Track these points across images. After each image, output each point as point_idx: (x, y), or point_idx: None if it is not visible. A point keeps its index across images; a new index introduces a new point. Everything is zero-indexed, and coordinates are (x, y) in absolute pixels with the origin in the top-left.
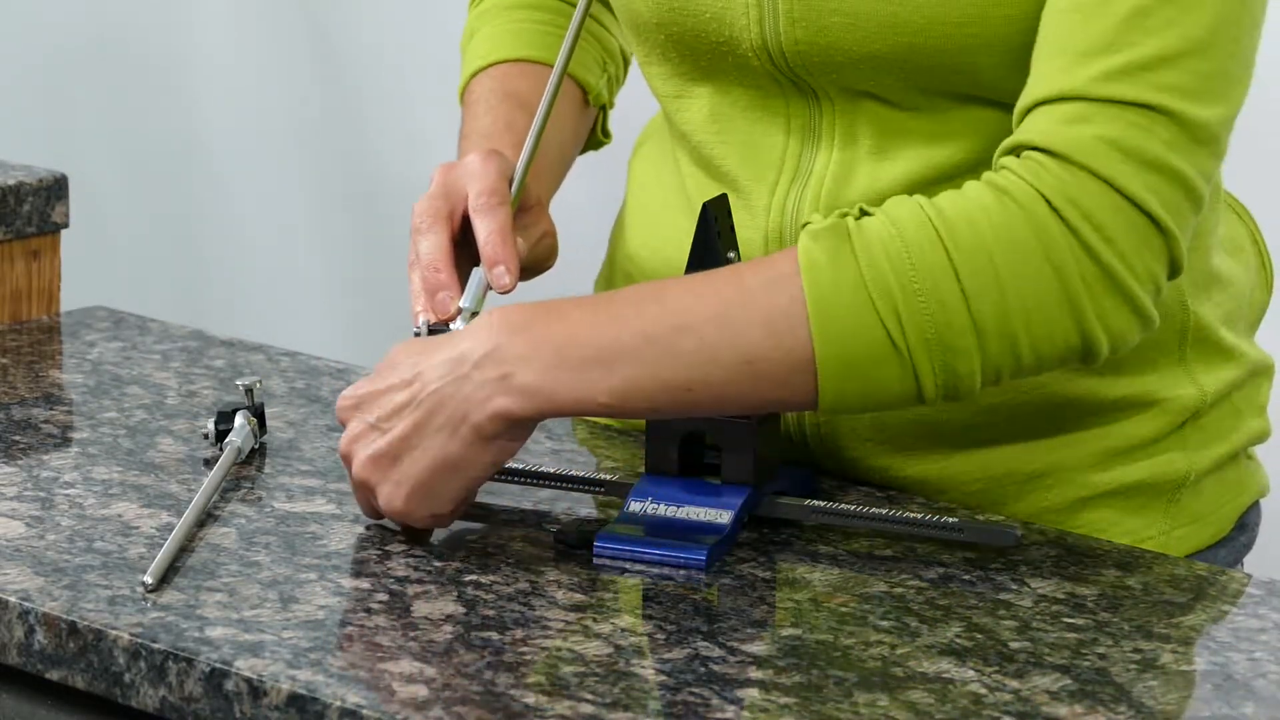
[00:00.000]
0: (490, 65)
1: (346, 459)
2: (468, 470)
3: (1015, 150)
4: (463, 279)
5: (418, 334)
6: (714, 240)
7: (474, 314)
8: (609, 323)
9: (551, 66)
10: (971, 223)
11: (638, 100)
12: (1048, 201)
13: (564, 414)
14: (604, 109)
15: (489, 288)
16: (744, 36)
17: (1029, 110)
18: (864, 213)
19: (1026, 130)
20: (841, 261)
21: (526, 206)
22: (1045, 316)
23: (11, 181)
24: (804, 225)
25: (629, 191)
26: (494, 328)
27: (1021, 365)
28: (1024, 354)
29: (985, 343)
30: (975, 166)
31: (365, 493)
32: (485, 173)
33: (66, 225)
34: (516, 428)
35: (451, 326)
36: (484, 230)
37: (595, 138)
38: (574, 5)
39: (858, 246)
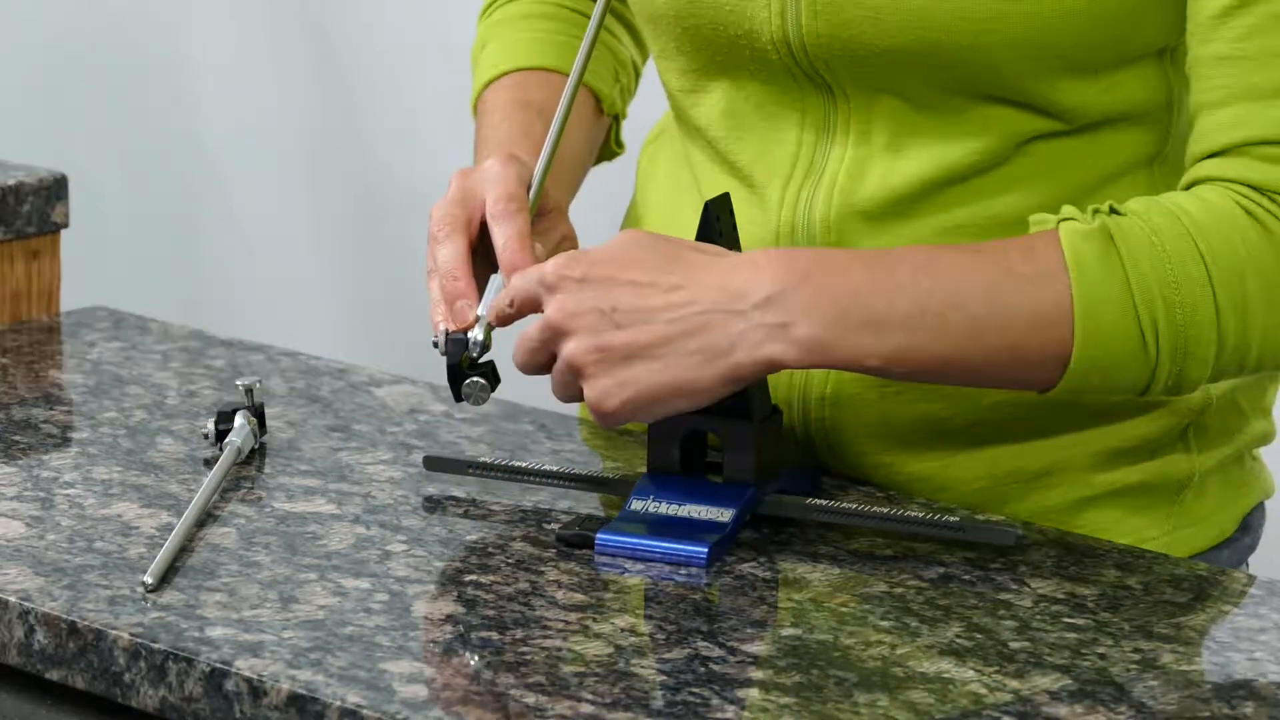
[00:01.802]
0: (504, 74)
1: (556, 329)
2: (698, 399)
3: (1210, 180)
4: (482, 285)
5: (435, 344)
6: (715, 239)
7: (491, 323)
8: (887, 286)
9: (565, 75)
10: (1227, 241)
11: (645, 99)
12: None
13: (827, 368)
14: (617, 119)
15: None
16: (764, 29)
17: (1216, 154)
18: (1114, 210)
19: (1225, 169)
20: (1110, 267)
21: (545, 211)
22: (1275, 336)
23: (11, 181)
24: (1064, 219)
25: (638, 189)
26: (775, 269)
27: (1241, 375)
28: (1248, 366)
29: (1221, 354)
30: (989, 166)
31: (570, 374)
32: (503, 178)
33: (66, 225)
34: (770, 373)
35: (469, 335)
36: (502, 236)
37: (609, 148)
38: (586, 15)
39: (1124, 253)
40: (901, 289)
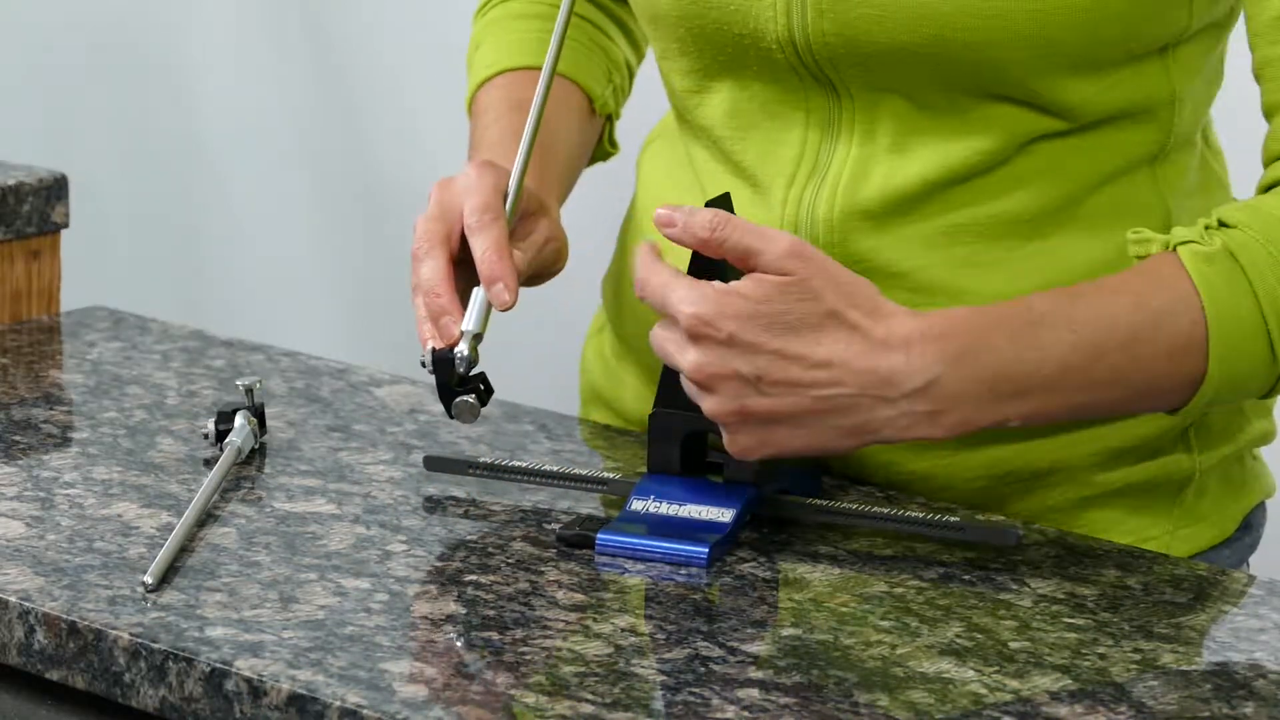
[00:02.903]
0: (497, 74)
1: (697, 384)
2: (832, 453)
3: None
4: (467, 297)
5: (424, 363)
6: None
7: (476, 336)
8: (1032, 353)
9: (560, 75)
10: None
11: (644, 100)
12: None
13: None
14: (610, 119)
15: (491, 306)
16: (769, 29)
17: None
18: (1223, 224)
19: None
20: (1237, 287)
21: (528, 212)
22: None
23: (11, 181)
24: (1182, 242)
25: (638, 190)
26: (927, 354)
27: None
28: None
29: None
30: (991, 165)
31: (720, 420)
32: (479, 188)
33: (66, 225)
34: None
35: (455, 352)
36: (479, 248)
37: (602, 148)
38: (580, 15)
39: (1248, 269)
40: (1045, 352)
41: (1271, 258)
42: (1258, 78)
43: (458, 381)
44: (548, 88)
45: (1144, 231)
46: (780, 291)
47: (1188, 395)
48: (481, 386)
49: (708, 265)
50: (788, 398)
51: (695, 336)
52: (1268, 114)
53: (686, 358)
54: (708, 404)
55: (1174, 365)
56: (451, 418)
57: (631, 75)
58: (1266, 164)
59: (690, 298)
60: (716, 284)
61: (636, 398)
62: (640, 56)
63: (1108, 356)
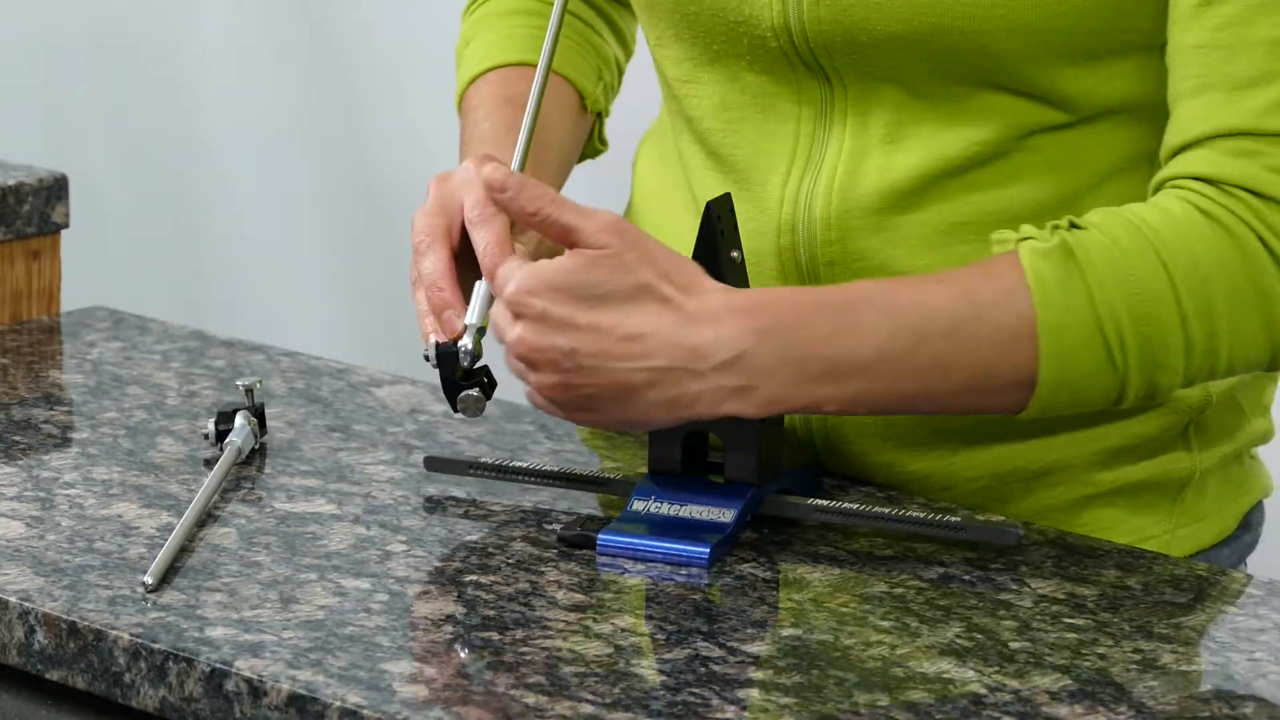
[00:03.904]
0: (487, 71)
1: (525, 359)
2: (657, 426)
3: (1175, 181)
4: (468, 290)
5: (427, 357)
6: (717, 239)
7: (480, 329)
8: (848, 334)
9: (551, 72)
10: (1189, 249)
11: (641, 98)
12: (1254, 232)
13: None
14: (600, 116)
15: (494, 299)
16: (764, 15)
17: (1187, 146)
18: (1074, 225)
19: (1194, 164)
20: (1071, 284)
21: None
22: (1247, 338)
23: (11, 181)
24: (1023, 239)
25: (634, 187)
26: (736, 326)
27: (1214, 377)
28: (1219, 369)
29: (1190, 360)
30: (988, 158)
31: (538, 399)
32: (479, 182)
33: (66, 225)
34: None
35: (459, 345)
36: (482, 242)
37: (592, 145)
38: (570, 12)
39: (1085, 268)
40: (862, 334)
41: (1113, 259)
42: (1168, 66)
43: (462, 375)
44: (545, 80)
45: (1005, 232)
46: (593, 263)
47: (1024, 394)
48: (486, 380)
49: (710, 265)
50: (602, 372)
51: (516, 313)
52: (1171, 104)
53: (509, 334)
54: (532, 379)
55: (1002, 359)
56: (456, 412)
57: (621, 72)
58: (1163, 160)
59: (507, 273)
60: (538, 261)
61: None
62: (629, 54)
63: (929, 344)
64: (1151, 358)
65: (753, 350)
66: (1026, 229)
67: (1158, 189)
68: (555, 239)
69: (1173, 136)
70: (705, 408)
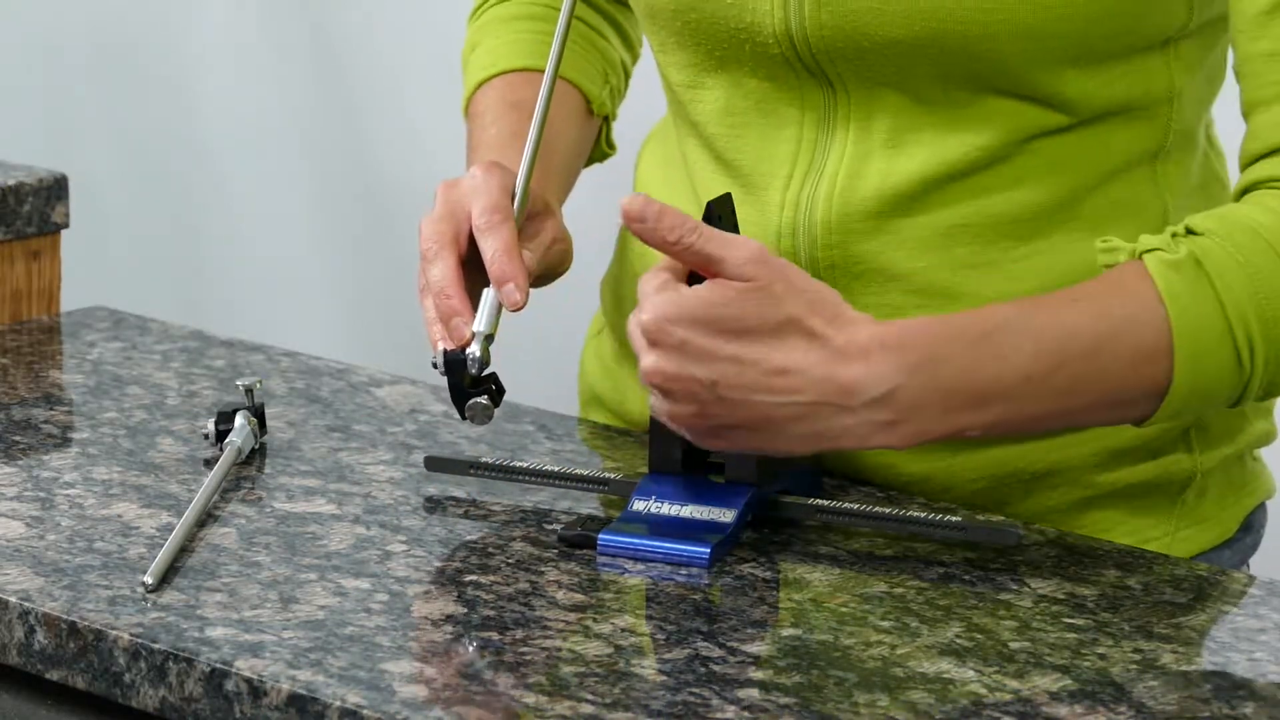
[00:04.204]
0: (493, 76)
1: (655, 386)
2: (794, 455)
3: (1270, 184)
4: (476, 297)
5: (435, 365)
6: None
7: (488, 336)
8: (991, 362)
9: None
10: None
11: (644, 101)
12: None
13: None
14: (607, 120)
15: (502, 307)
16: (766, 22)
17: (1275, 152)
18: (1190, 232)
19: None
20: (1202, 294)
21: (534, 213)
22: None
23: (11, 181)
24: (1148, 250)
25: (636, 191)
26: (886, 363)
27: None
28: None
29: None
30: (990, 162)
31: (678, 424)
32: (487, 189)
33: (66, 225)
34: None
35: (467, 352)
36: (490, 249)
37: (600, 149)
38: (576, 16)
39: (1214, 277)
40: (1005, 361)
41: (1237, 265)
42: (1238, 75)
43: (470, 383)
44: (551, 87)
45: (1112, 240)
46: (739, 295)
47: (1154, 405)
48: (494, 387)
49: None
50: (744, 404)
51: (652, 340)
52: (1246, 112)
53: (644, 361)
54: (664, 408)
55: (1138, 374)
56: (464, 419)
57: (627, 76)
58: (1243, 166)
59: (650, 300)
60: (681, 287)
61: (640, 399)
62: (635, 57)
63: (1069, 365)
64: (1277, 357)
65: (904, 386)
66: (1147, 239)
67: (1245, 191)
68: (698, 269)
69: (1255, 143)
70: (852, 441)
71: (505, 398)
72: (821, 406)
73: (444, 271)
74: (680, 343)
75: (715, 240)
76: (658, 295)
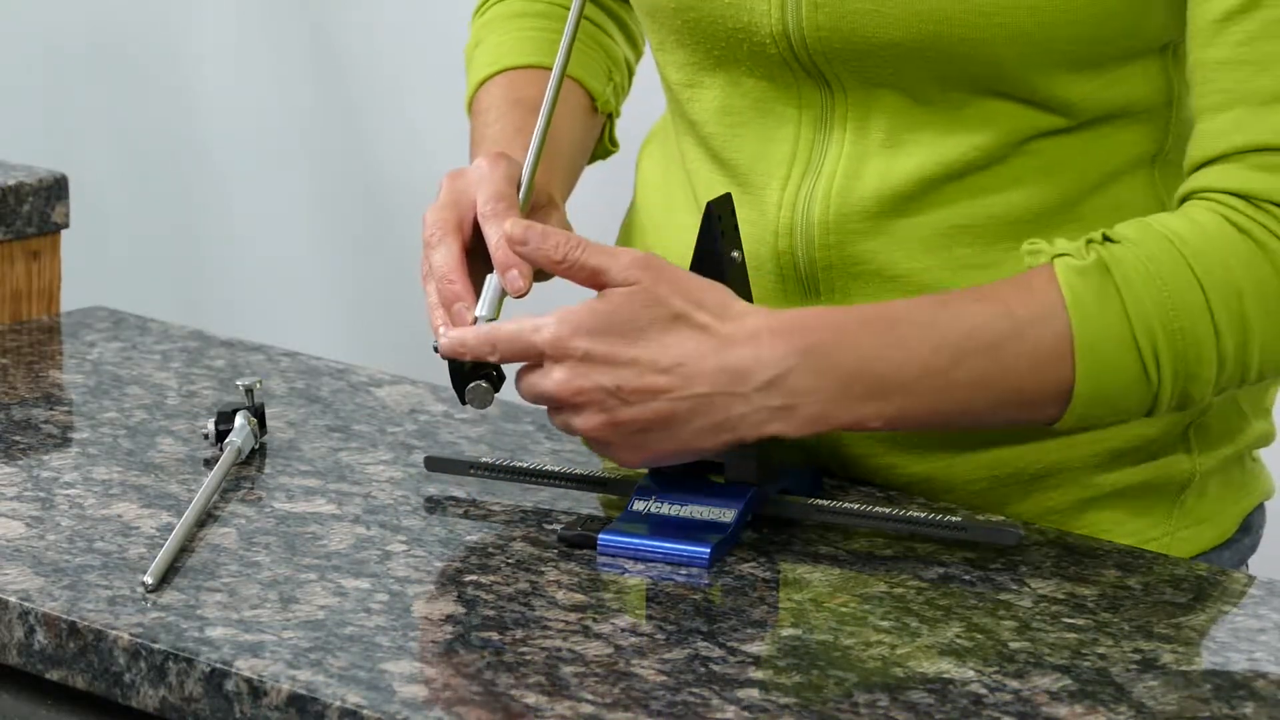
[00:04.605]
0: (497, 73)
1: (564, 403)
2: (707, 454)
3: (1204, 194)
4: (478, 286)
5: (436, 349)
6: (717, 239)
7: (490, 322)
8: (891, 350)
9: None
10: (1224, 262)
11: (646, 101)
12: None
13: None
14: (610, 117)
15: (504, 293)
16: (763, 22)
17: (1214, 160)
18: (1106, 238)
19: (1223, 178)
20: (1107, 301)
21: (539, 205)
22: (1274, 349)
23: (11, 181)
24: (1058, 255)
25: (637, 189)
26: (776, 345)
27: (1244, 385)
28: (1250, 377)
29: (1222, 372)
30: (988, 163)
31: (586, 440)
32: (492, 178)
33: (66, 225)
34: None
35: None
36: (494, 236)
37: (603, 146)
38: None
39: (1121, 285)
40: (907, 351)
41: (1148, 275)
42: (1189, 80)
43: (470, 367)
44: (561, 78)
45: (1039, 242)
46: (626, 299)
47: (1059, 408)
48: (494, 372)
49: (710, 266)
50: (649, 404)
51: (556, 358)
52: (1194, 118)
53: (551, 379)
54: (578, 422)
55: (1039, 375)
56: (464, 403)
57: (631, 73)
58: (1186, 172)
59: (544, 323)
60: (567, 308)
61: None
62: (639, 54)
63: (968, 360)
64: (1185, 371)
65: (795, 369)
66: (1061, 243)
67: (1183, 200)
68: (584, 282)
69: (1198, 150)
70: (749, 429)
71: (505, 397)
72: (715, 396)
73: (447, 257)
74: (584, 354)
75: (595, 252)
76: (548, 317)
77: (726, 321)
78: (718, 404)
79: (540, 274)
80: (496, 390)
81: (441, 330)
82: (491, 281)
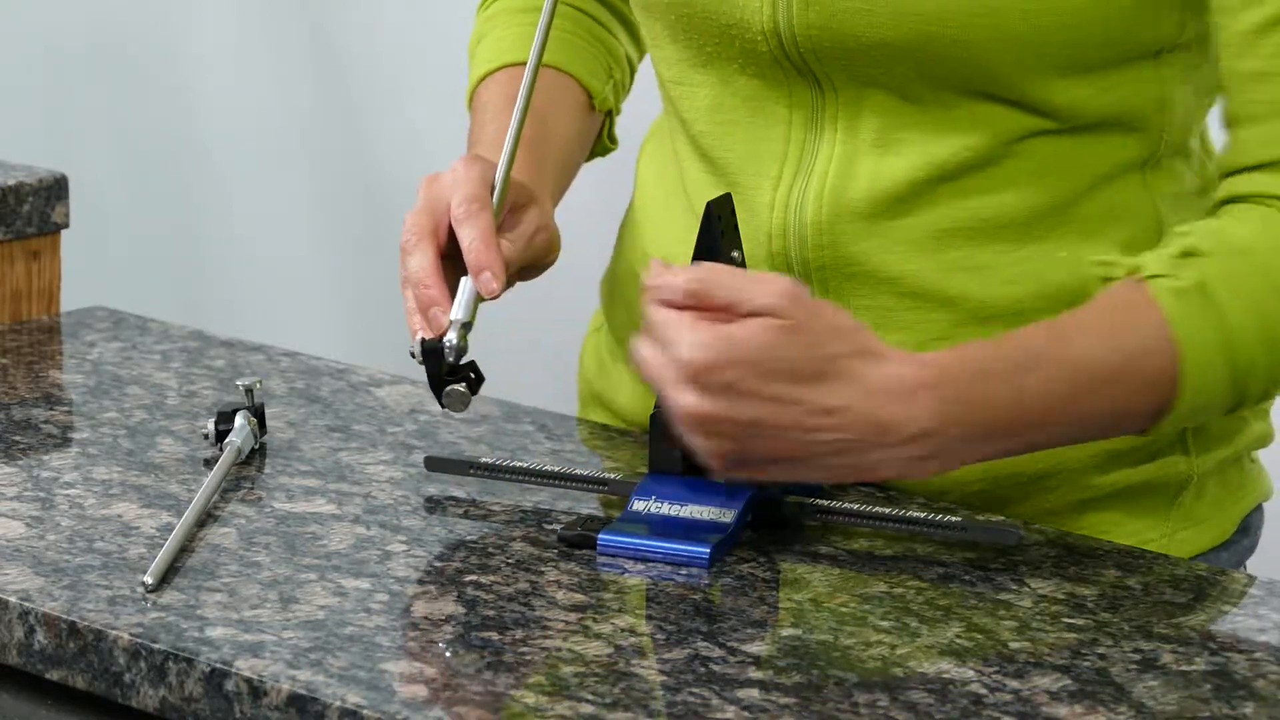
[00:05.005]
0: (497, 69)
1: (694, 425)
2: (829, 482)
3: (1255, 199)
4: (454, 289)
5: (413, 354)
6: (717, 239)
7: (465, 325)
8: (1025, 397)
9: (559, 70)
10: None
11: (646, 99)
12: None
13: None
14: (610, 114)
15: (480, 295)
16: (755, 19)
17: (1258, 168)
18: (1187, 254)
19: (1270, 184)
20: (1209, 325)
21: (517, 205)
22: None
23: (11, 181)
24: (1154, 276)
25: (636, 190)
26: (928, 405)
27: None
28: None
29: None
30: (979, 165)
31: (710, 458)
32: (466, 180)
33: (66, 225)
34: None
35: (444, 341)
36: (466, 238)
37: (602, 143)
38: (582, 10)
39: (1223, 307)
40: (1038, 397)
41: (1240, 293)
42: (1223, 87)
43: (448, 370)
44: (532, 82)
45: (1112, 259)
46: (781, 337)
47: (1152, 422)
48: (472, 375)
49: (709, 254)
50: (784, 441)
51: (695, 380)
52: (1229, 124)
53: (684, 399)
54: (701, 445)
55: (1144, 399)
56: (443, 407)
57: (633, 70)
58: (1223, 175)
59: (695, 341)
60: (719, 329)
61: (632, 396)
62: (643, 52)
63: (1087, 396)
64: (1276, 376)
65: (941, 429)
66: (1152, 264)
67: (1227, 202)
68: (724, 316)
69: (1242, 156)
70: (887, 471)
71: (505, 397)
72: (860, 442)
73: (422, 262)
74: (727, 385)
75: (729, 287)
76: (696, 334)
77: (878, 368)
78: (859, 448)
79: (521, 277)
80: (474, 394)
81: (418, 336)
82: (466, 284)
